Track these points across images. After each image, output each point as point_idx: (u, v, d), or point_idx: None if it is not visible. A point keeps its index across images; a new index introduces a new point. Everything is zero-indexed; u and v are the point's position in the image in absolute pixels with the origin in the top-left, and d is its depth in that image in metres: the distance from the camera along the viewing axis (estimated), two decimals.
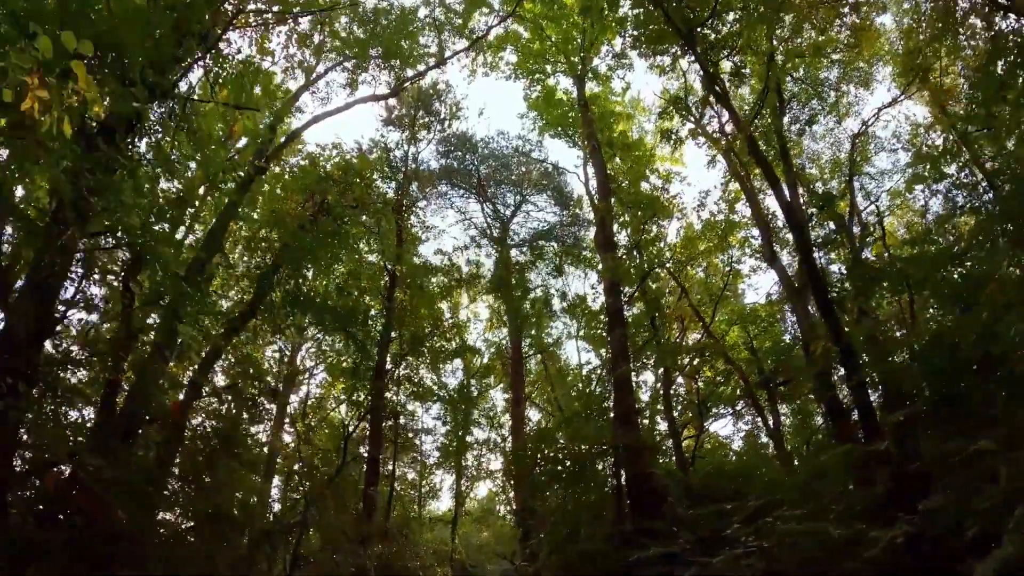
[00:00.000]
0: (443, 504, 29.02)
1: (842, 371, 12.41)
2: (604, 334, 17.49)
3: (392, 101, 22.32)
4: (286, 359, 25.59)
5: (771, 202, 20.13)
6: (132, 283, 12.77)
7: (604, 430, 13.46)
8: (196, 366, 13.82)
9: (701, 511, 12.21)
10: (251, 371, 14.53)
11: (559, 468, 13.17)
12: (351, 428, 16.85)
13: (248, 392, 14.08)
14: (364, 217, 17.74)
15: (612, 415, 14.25)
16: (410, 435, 22.71)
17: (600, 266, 16.33)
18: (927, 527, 6.92)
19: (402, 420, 21.48)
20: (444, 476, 26.19)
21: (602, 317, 16.50)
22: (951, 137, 21.43)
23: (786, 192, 13.99)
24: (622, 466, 12.99)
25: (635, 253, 16.16)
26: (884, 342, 11.76)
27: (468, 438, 25.03)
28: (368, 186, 18.20)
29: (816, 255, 12.17)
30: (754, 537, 7.82)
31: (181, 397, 12.86)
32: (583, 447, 12.93)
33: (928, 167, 21.42)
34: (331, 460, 20.05)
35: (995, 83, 11.83)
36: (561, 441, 13.76)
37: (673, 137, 16.64)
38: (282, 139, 15.16)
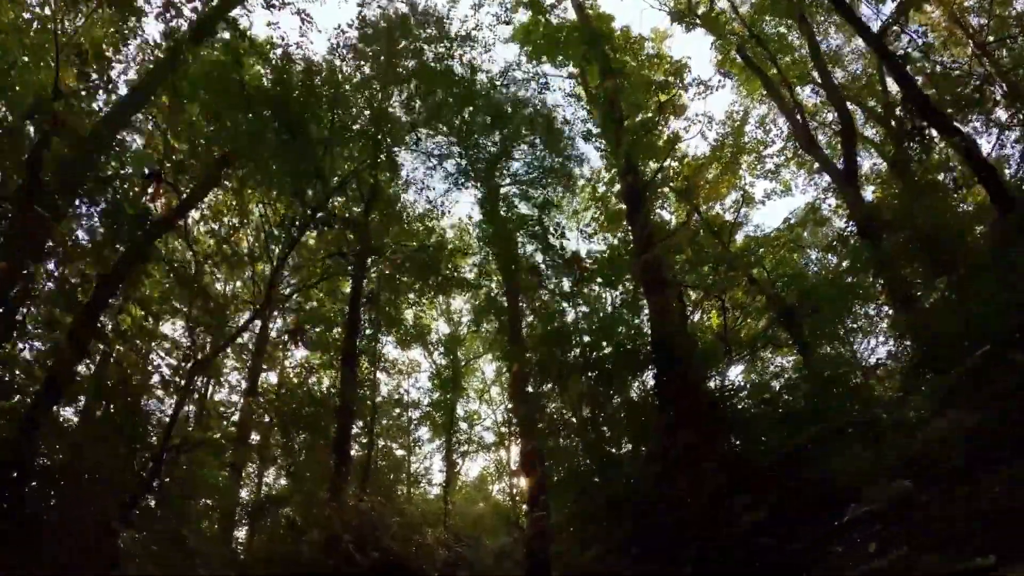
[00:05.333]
0: (434, 489, 25.17)
1: None
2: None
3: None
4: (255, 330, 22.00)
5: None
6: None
7: (637, 331, 10.14)
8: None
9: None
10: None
11: (583, 367, 9.73)
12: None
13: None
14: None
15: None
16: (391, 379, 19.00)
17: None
18: None
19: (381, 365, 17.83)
20: (434, 449, 22.44)
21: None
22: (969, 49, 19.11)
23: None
24: (662, 372, 9.64)
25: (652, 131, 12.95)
26: None
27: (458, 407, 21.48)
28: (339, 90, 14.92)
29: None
30: None
31: None
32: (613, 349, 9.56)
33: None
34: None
35: None
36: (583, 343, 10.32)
37: (685, 20, 13.69)
38: None
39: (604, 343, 10.02)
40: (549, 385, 12.34)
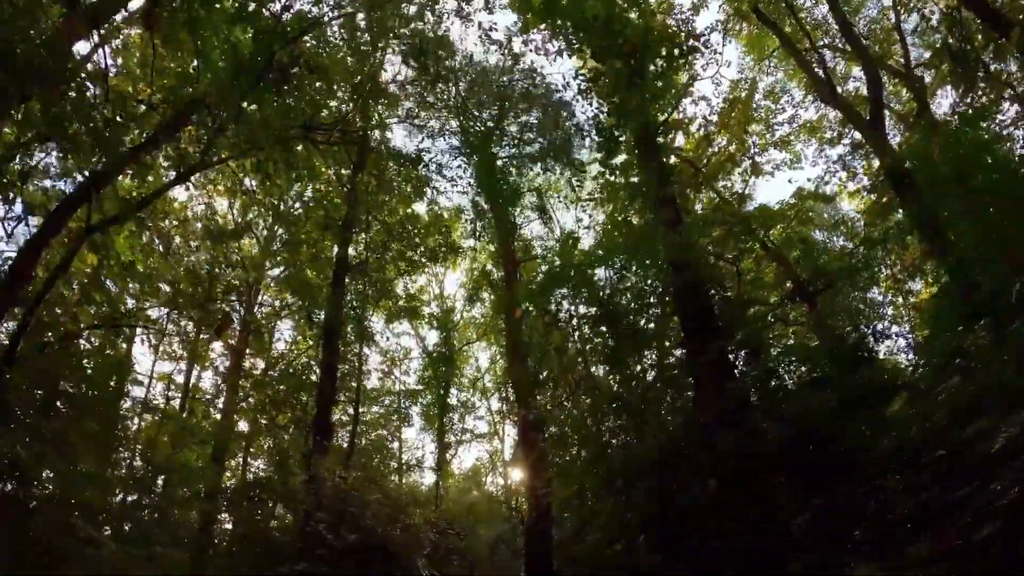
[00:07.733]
0: (427, 479, 23.47)
1: None
2: None
3: None
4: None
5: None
6: None
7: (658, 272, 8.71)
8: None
9: None
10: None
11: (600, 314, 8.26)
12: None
13: None
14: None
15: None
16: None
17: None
18: None
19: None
20: (425, 436, 20.84)
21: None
22: None
23: None
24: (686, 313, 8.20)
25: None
26: None
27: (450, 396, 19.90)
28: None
29: None
30: None
31: None
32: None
33: None
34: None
35: None
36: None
37: None
38: None
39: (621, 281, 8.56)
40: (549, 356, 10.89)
